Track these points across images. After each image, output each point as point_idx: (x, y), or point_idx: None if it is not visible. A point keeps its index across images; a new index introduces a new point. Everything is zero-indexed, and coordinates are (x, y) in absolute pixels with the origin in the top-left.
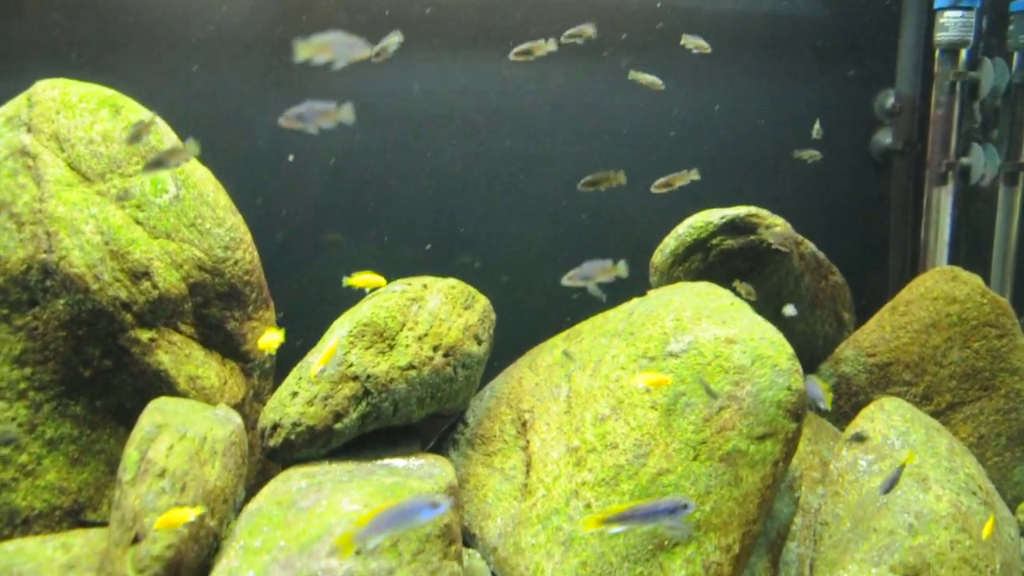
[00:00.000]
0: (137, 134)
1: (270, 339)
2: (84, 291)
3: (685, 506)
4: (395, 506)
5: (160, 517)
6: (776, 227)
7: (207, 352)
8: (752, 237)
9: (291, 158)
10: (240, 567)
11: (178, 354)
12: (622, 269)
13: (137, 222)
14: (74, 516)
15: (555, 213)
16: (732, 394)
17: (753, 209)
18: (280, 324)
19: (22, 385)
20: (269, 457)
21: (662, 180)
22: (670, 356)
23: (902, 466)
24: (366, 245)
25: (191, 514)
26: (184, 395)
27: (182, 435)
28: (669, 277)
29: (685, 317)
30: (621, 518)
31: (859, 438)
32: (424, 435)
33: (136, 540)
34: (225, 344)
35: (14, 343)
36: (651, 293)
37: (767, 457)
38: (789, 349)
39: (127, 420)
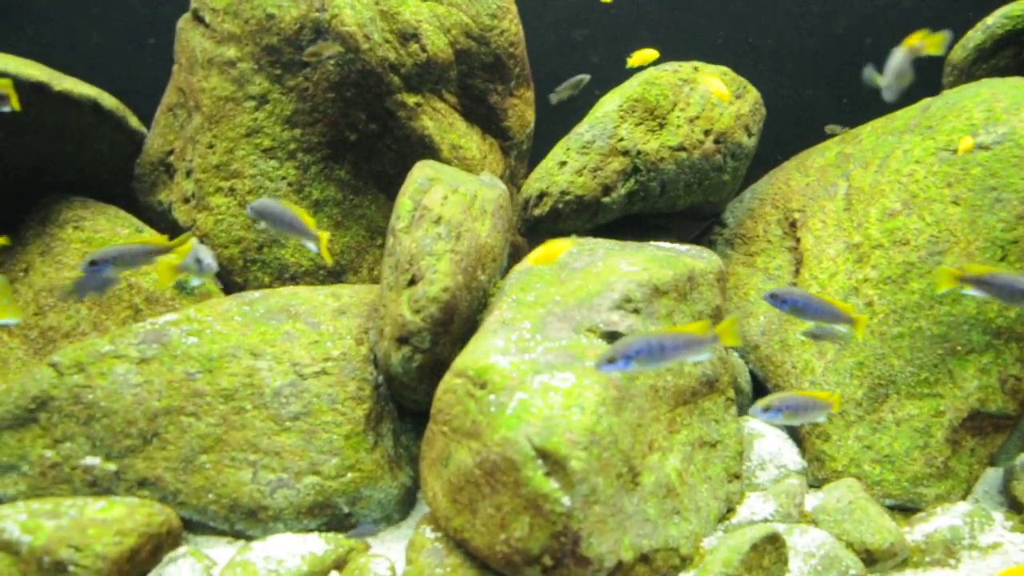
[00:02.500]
0: None
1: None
2: (354, 51)
3: None
4: None
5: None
6: None
7: (469, 124)
8: None
9: None
10: (514, 318)
11: (442, 122)
12: None
13: None
14: (336, 277)
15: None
16: None
17: None
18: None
19: (292, 146)
20: (531, 229)
21: None
22: (979, 148)
23: None
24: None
25: (568, 242)
26: (447, 164)
27: (454, 189)
28: (969, 75)
29: (999, 108)
30: (980, 280)
31: None
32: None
33: (412, 282)
34: (487, 118)
35: (285, 104)
36: (947, 92)
37: None
38: None
39: (388, 187)
